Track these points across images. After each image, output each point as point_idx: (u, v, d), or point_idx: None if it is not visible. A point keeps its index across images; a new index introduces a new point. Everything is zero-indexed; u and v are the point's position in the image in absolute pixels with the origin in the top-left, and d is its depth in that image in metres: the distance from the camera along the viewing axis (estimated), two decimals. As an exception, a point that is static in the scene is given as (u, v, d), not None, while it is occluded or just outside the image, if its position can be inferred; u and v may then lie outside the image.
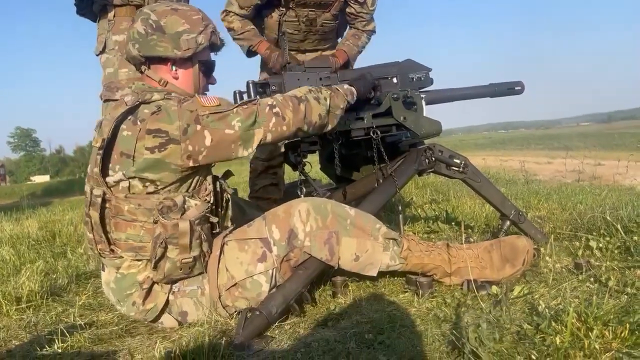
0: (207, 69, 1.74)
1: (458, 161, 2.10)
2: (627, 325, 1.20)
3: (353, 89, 1.83)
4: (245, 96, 1.89)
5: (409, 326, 1.44)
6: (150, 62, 1.65)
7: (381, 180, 2.07)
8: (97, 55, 2.65)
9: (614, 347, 1.16)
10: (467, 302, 1.59)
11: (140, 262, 1.57)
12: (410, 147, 2.11)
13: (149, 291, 1.58)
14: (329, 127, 1.76)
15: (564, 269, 1.83)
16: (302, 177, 2.05)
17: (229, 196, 1.72)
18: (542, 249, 2.00)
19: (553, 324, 1.25)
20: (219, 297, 1.59)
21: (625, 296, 1.50)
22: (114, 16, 2.54)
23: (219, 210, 1.69)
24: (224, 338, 1.45)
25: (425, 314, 1.54)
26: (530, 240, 1.84)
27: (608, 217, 2.19)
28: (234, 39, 2.85)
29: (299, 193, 2.00)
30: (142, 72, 1.69)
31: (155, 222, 1.49)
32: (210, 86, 1.80)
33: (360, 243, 1.64)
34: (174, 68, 1.65)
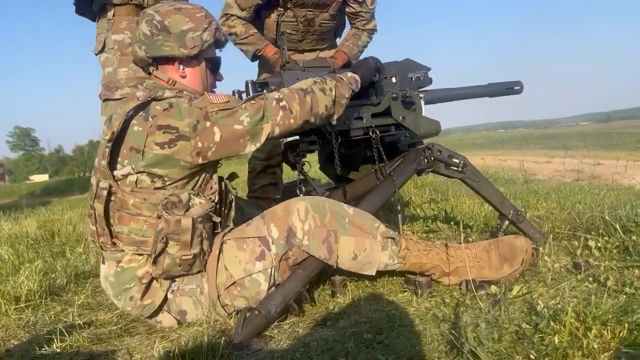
0: (214, 66, 1.76)
1: (457, 161, 2.10)
2: (626, 325, 1.20)
3: (357, 76, 1.84)
4: (244, 95, 1.89)
5: (407, 326, 1.44)
6: (157, 62, 1.67)
7: (380, 180, 2.07)
8: (97, 54, 2.65)
9: (613, 347, 1.16)
10: (465, 302, 1.59)
11: (141, 257, 1.57)
12: (409, 146, 2.12)
13: (148, 287, 1.58)
14: (335, 117, 1.78)
15: (562, 269, 1.83)
16: (301, 177, 2.05)
17: (234, 197, 1.73)
18: (540, 248, 2.00)
19: (552, 323, 1.25)
20: (218, 296, 1.59)
21: (624, 296, 1.50)
22: (114, 15, 2.54)
23: (223, 210, 1.70)
24: (223, 337, 1.45)
25: (424, 313, 1.54)
26: (528, 239, 1.84)
27: (607, 217, 2.20)
28: (237, 43, 2.82)
29: (298, 192, 2.00)
30: (150, 73, 1.70)
31: (159, 217, 1.51)
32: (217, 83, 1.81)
33: (358, 242, 1.64)
34: (181, 67, 1.67)
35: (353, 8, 2.83)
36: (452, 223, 2.67)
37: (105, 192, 1.53)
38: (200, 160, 1.54)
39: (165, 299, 1.59)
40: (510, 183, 5.10)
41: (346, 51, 2.93)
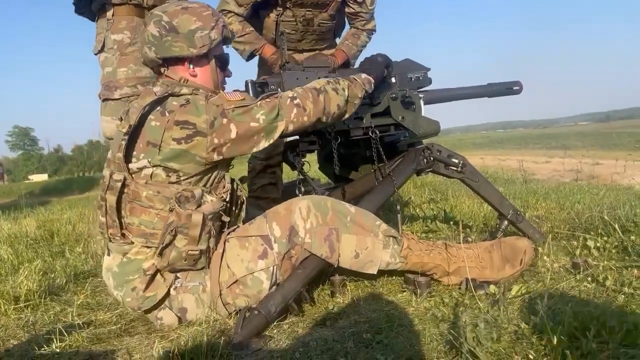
0: (222, 62, 1.77)
1: (456, 161, 2.10)
2: (624, 325, 1.20)
3: (370, 77, 1.86)
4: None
5: (407, 326, 1.44)
6: (167, 63, 1.68)
7: (379, 180, 2.07)
8: (96, 54, 2.64)
9: (611, 347, 1.16)
10: (464, 302, 1.59)
11: (149, 250, 1.58)
12: (409, 146, 2.12)
13: (152, 279, 1.59)
14: (347, 116, 1.81)
15: (561, 269, 1.84)
16: (301, 177, 2.05)
17: (245, 199, 1.75)
18: (540, 248, 2.01)
19: (550, 323, 1.25)
20: (220, 294, 1.59)
21: (622, 296, 1.50)
22: (113, 15, 2.54)
23: (233, 210, 1.71)
24: (222, 337, 1.45)
25: (423, 313, 1.54)
26: (530, 241, 1.84)
27: (606, 217, 2.20)
28: (232, 41, 2.78)
29: (298, 192, 2.00)
30: (160, 74, 1.71)
31: (171, 211, 1.52)
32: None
33: (360, 240, 1.65)
34: (191, 66, 1.68)
35: (352, 8, 2.84)
36: (451, 223, 2.67)
37: (119, 184, 1.54)
38: (215, 157, 1.56)
39: (167, 294, 1.60)
40: (509, 183, 5.11)
41: (345, 50, 2.93)
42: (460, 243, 1.77)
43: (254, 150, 1.63)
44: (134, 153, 1.55)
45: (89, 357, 1.45)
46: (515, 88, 2.34)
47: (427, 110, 2.08)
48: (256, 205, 2.14)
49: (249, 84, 1.87)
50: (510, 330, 1.32)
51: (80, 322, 1.71)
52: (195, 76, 1.69)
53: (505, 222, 2.15)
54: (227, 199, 1.65)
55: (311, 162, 2.21)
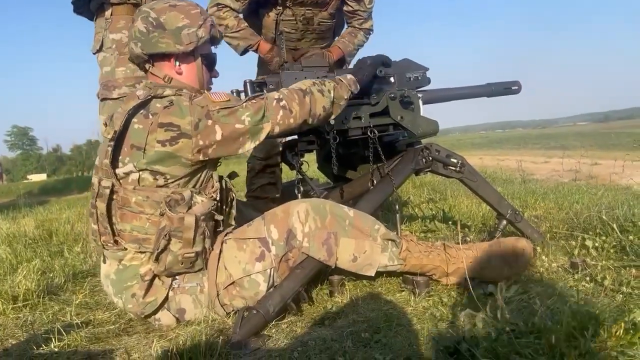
0: (210, 62, 1.76)
1: (455, 160, 2.10)
2: (622, 325, 1.20)
3: (356, 78, 1.85)
4: (242, 95, 1.89)
5: (405, 325, 1.44)
6: (153, 59, 1.67)
7: (378, 180, 2.07)
8: (94, 53, 2.65)
9: (609, 346, 1.16)
10: (463, 302, 1.59)
11: (143, 255, 1.58)
12: (408, 146, 2.12)
13: (150, 284, 1.59)
14: (333, 117, 1.80)
15: (560, 268, 1.84)
16: (300, 176, 2.05)
17: (234, 195, 1.74)
18: (538, 248, 2.01)
19: (549, 323, 1.25)
20: (217, 295, 1.59)
21: (621, 295, 1.51)
22: (111, 14, 2.54)
23: (224, 208, 1.70)
24: (221, 337, 1.45)
25: (421, 313, 1.54)
26: (530, 242, 1.84)
27: (604, 217, 2.20)
28: (226, 36, 2.73)
29: (296, 192, 2.00)
30: (146, 71, 1.70)
31: (162, 215, 1.51)
32: (213, 80, 1.82)
33: (358, 244, 1.64)
34: (177, 64, 1.67)
35: (351, 6, 2.83)
36: (450, 223, 2.67)
37: (107, 191, 1.54)
38: (201, 157, 1.55)
39: (167, 297, 1.60)
40: (508, 183, 5.11)
41: (341, 47, 2.93)
42: (459, 243, 1.77)
43: (240, 151, 1.63)
44: (120, 158, 1.55)
45: (88, 356, 1.45)
46: (514, 88, 2.34)
47: (426, 110, 2.08)
48: (253, 207, 2.13)
49: (248, 84, 1.86)
50: (509, 330, 1.32)
51: (79, 322, 1.71)
52: (180, 74, 1.68)
53: (504, 222, 2.15)
54: (217, 198, 1.64)
55: (310, 162, 2.21)
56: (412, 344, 1.30)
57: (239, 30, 2.72)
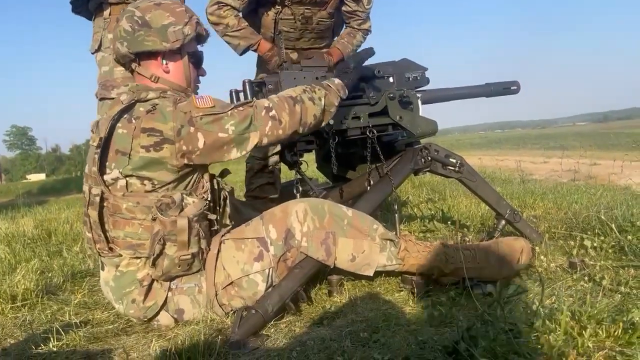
0: (196, 60, 1.75)
1: (454, 160, 2.10)
2: (621, 324, 1.20)
3: (342, 83, 1.83)
4: (241, 95, 1.89)
5: (404, 325, 1.44)
6: (140, 58, 1.66)
7: (377, 180, 2.07)
8: (93, 53, 2.65)
9: (608, 346, 1.17)
10: (462, 302, 1.59)
11: (139, 260, 1.58)
12: (406, 146, 2.12)
13: (149, 289, 1.58)
14: (323, 124, 1.78)
15: (558, 268, 1.84)
16: (299, 176, 2.05)
17: (227, 193, 1.72)
18: (537, 248, 2.01)
19: (547, 322, 1.26)
20: (216, 295, 1.59)
21: (619, 295, 1.51)
22: (110, 14, 2.54)
23: (217, 207, 1.70)
24: (219, 336, 1.45)
25: (420, 312, 1.54)
26: (528, 241, 1.84)
27: (603, 217, 2.21)
28: (226, 35, 2.72)
29: (295, 192, 2.00)
30: (132, 71, 1.69)
31: (154, 220, 1.51)
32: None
33: (357, 243, 1.64)
34: (164, 62, 1.66)
35: (350, 6, 2.83)
36: (449, 223, 2.67)
37: (97, 199, 1.53)
38: (185, 161, 1.54)
39: (166, 298, 1.60)
40: (507, 183, 5.11)
41: (340, 48, 2.93)
42: (457, 243, 1.77)
43: (226, 159, 1.59)
44: (107, 164, 1.54)
45: (86, 356, 1.45)
46: (513, 88, 2.34)
47: (425, 110, 2.08)
48: (252, 207, 2.13)
49: (247, 84, 1.86)
50: (507, 330, 1.32)
51: (78, 321, 1.71)
52: (168, 72, 1.67)
53: (503, 222, 2.15)
54: (209, 198, 1.63)
55: (309, 162, 2.21)
56: (411, 344, 1.30)
57: (240, 30, 2.70)
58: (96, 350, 1.48)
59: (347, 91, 1.83)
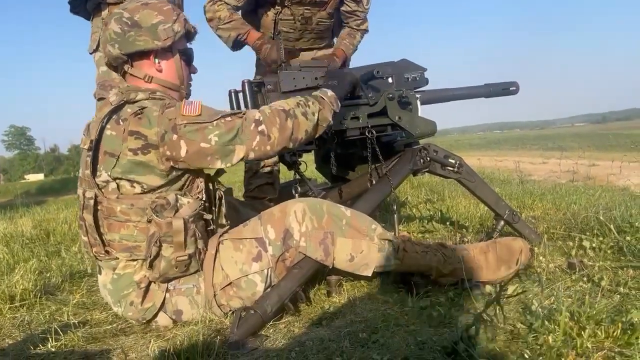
0: (187, 57, 1.75)
1: (453, 161, 2.10)
2: (620, 325, 1.21)
3: (336, 95, 1.78)
4: (240, 95, 1.89)
5: (402, 325, 1.44)
6: (132, 59, 1.66)
7: (376, 180, 2.07)
8: (91, 53, 2.64)
9: (607, 346, 1.17)
10: (460, 302, 1.59)
11: (135, 262, 1.57)
12: (405, 146, 2.12)
13: (147, 290, 1.58)
14: (314, 138, 1.75)
15: (557, 269, 1.84)
16: (298, 177, 2.05)
17: (222, 193, 1.72)
18: (536, 248, 2.01)
19: (546, 323, 1.26)
20: (214, 296, 1.59)
21: (618, 296, 1.51)
22: (108, 14, 2.53)
23: (213, 207, 1.69)
24: (218, 337, 1.45)
25: (419, 313, 1.54)
26: (526, 242, 1.84)
27: (601, 218, 2.21)
28: (218, 28, 2.71)
29: (294, 192, 2.00)
30: (125, 73, 1.69)
31: (149, 222, 1.50)
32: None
33: (355, 243, 1.64)
34: (157, 61, 1.66)
35: (349, 7, 2.83)
36: (447, 223, 2.67)
37: (92, 202, 1.53)
38: (172, 164, 1.53)
39: (164, 299, 1.59)
40: (505, 184, 5.11)
41: (344, 50, 2.93)
42: (456, 244, 1.77)
43: (211, 167, 1.58)
44: (98, 167, 1.54)
45: (85, 356, 1.44)
46: (512, 89, 2.34)
47: (424, 111, 2.08)
48: (251, 207, 2.13)
49: (246, 84, 1.86)
50: (506, 330, 1.33)
51: (76, 322, 1.71)
52: (160, 71, 1.67)
53: (502, 223, 2.15)
54: (204, 198, 1.63)
55: (308, 162, 2.21)
56: (410, 344, 1.30)
57: (231, 22, 2.70)
58: (95, 350, 1.48)
59: (339, 104, 1.78)
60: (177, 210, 1.52)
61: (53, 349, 1.49)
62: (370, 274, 1.68)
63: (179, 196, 1.55)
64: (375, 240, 1.67)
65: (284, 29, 2.79)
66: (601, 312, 1.28)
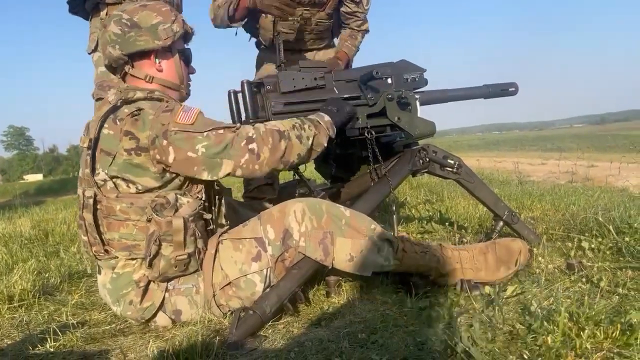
0: (186, 58, 1.77)
1: (452, 162, 2.10)
2: (619, 325, 1.21)
3: (332, 121, 1.77)
4: (240, 96, 1.88)
5: (402, 326, 1.44)
6: (133, 59, 1.66)
7: (375, 180, 2.07)
8: (90, 53, 2.64)
9: (605, 347, 1.17)
10: (460, 303, 1.59)
11: (134, 261, 1.58)
12: (405, 147, 2.12)
13: (146, 290, 1.58)
14: (307, 162, 1.75)
15: (556, 270, 1.84)
16: (297, 177, 2.05)
17: (222, 193, 1.72)
18: (534, 249, 2.01)
19: (545, 323, 1.26)
20: (213, 296, 1.59)
21: (617, 296, 1.51)
22: (107, 14, 2.53)
23: (212, 207, 1.70)
24: (217, 337, 1.45)
25: (418, 313, 1.54)
26: (525, 242, 1.85)
27: (600, 218, 2.21)
28: (215, 15, 2.63)
29: (297, 193, 2.00)
30: (125, 74, 1.69)
31: (149, 220, 1.50)
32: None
33: (354, 243, 1.64)
34: (157, 60, 1.68)
35: (349, 7, 2.83)
36: (447, 224, 2.67)
37: (91, 201, 1.53)
38: (163, 166, 1.54)
39: (163, 299, 1.59)
40: (504, 184, 5.12)
41: (347, 52, 2.93)
42: (455, 244, 1.77)
43: (199, 178, 1.56)
44: (96, 165, 1.55)
45: (83, 356, 1.44)
46: (511, 89, 2.34)
47: (423, 111, 2.09)
48: (250, 207, 2.13)
49: (245, 84, 1.86)
50: (505, 331, 1.33)
51: (75, 322, 1.71)
52: (161, 71, 1.68)
53: (501, 224, 2.15)
54: (203, 197, 1.63)
55: (308, 162, 2.21)
56: (409, 345, 1.30)
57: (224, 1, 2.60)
58: (93, 351, 1.48)
59: (335, 130, 1.77)
60: (177, 210, 1.52)
61: (52, 349, 1.49)
62: (369, 274, 1.67)
63: (178, 195, 1.55)
64: (374, 241, 1.66)
65: (283, 30, 2.79)
66: (600, 313, 1.28)
